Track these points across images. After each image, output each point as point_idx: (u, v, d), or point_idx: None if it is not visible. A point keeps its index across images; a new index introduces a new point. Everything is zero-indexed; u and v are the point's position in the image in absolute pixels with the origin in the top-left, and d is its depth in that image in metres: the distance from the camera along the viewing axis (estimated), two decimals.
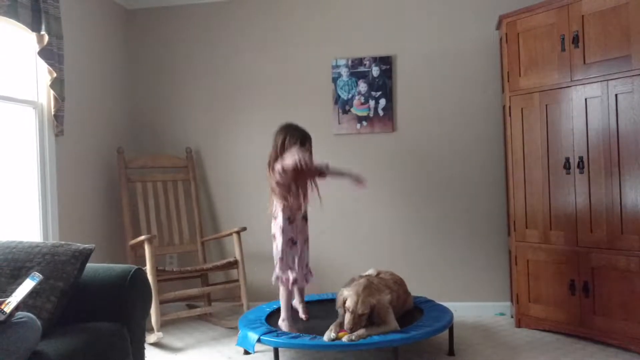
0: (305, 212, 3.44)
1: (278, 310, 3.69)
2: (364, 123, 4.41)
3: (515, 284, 3.85)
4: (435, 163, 4.33)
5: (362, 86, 4.41)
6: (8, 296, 1.91)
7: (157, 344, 3.67)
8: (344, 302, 3.01)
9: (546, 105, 3.60)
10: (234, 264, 4.09)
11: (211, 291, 4.25)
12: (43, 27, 3.39)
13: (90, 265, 2.42)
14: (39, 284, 1.99)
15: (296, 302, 3.58)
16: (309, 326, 3.32)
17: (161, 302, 3.76)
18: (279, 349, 3.09)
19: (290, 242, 3.33)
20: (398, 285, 3.43)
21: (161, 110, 4.75)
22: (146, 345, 2.59)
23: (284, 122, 3.44)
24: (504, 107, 4.05)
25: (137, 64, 4.79)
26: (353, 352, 3.31)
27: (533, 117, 3.68)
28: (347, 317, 2.96)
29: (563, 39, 3.47)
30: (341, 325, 3.03)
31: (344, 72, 4.43)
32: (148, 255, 3.72)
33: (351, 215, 4.44)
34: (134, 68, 4.78)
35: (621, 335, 3.25)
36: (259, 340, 3.10)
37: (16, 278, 2.21)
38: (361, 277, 3.35)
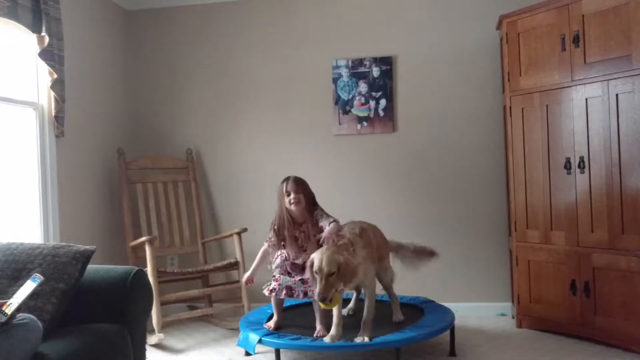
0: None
1: None
2: (365, 123, 4.40)
3: (516, 285, 3.84)
4: (436, 163, 4.33)
5: (363, 87, 4.40)
6: (9, 298, 1.91)
7: (158, 345, 3.66)
8: (312, 266, 2.89)
9: (547, 105, 3.60)
10: (234, 265, 4.09)
11: (212, 292, 4.24)
12: (43, 28, 3.39)
13: (91, 266, 2.42)
14: (40, 285, 1.98)
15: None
16: (311, 327, 3.31)
17: (162, 304, 3.75)
18: (280, 350, 3.08)
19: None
20: (374, 232, 3.37)
21: (162, 112, 4.75)
22: (147, 347, 2.59)
23: None
24: (504, 107, 4.05)
25: (138, 65, 4.79)
26: (354, 352, 3.31)
27: (533, 117, 3.68)
28: (317, 282, 2.82)
29: (563, 38, 3.47)
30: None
31: (344, 72, 4.43)
32: (149, 257, 3.72)
33: (352, 215, 4.43)
34: (134, 69, 4.78)
35: (622, 336, 3.25)
36: (260, 342, 3.10)
37: (17, 280, 2.21)
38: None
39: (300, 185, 3.29)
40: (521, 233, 3.78)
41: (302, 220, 3.31)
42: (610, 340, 3.32)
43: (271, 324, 3.33)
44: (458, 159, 4.29)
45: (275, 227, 3.32)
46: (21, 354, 1.82)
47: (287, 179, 3.32)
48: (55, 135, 3.65)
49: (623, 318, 3.25)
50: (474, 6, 4.26)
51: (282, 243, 3.33)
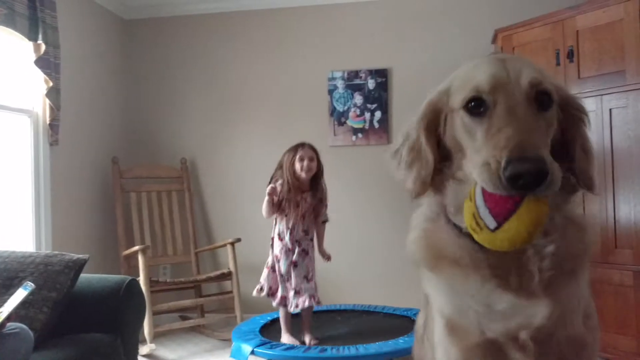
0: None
1: (272, 322, 3.68)
2: (360, 135, 4.42)
3: None
4: None
5: (358, 98, 4.42)
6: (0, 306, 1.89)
7: (149, 356, 3.63)
8: None
9: None
10: (227, 275, 4.07)
11: (205, 302, 4.22)
12: (40, 36, 3.39)
13: (83, 275, 2.41)
14: (31, 293, 1.97)
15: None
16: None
17: (154, 313, 3.73)
18: None
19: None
20: None
21: (157, 121, 4.75)
22: (139, 357, 2.57)
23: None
24: None
25: (134, 74, 4.79)
26: None
27: None
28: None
29: (558, 53, 3.50)
30: None
31: (340, 84, 4.45)
32: (141, 266, 3.70)
33: (347, 228, 4.43)
34: (130, 78, 4.78)
35: (615, 350, 3.25)
36: (252, 352, 3.07)
37: (8, 288, 2.19)
38: None
39: (315, 154, 3.26)
40: None
41: (306, 188, 3.28)
42: (602, 354, 3.32)
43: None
44: None
45: (277, 184, 3.24)
46: None
47: (302, 145, 3.25)
48: (49, 143, 3.63)
49: (615, 332, 3.24)
50: (469, 19, 4.29)
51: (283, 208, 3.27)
